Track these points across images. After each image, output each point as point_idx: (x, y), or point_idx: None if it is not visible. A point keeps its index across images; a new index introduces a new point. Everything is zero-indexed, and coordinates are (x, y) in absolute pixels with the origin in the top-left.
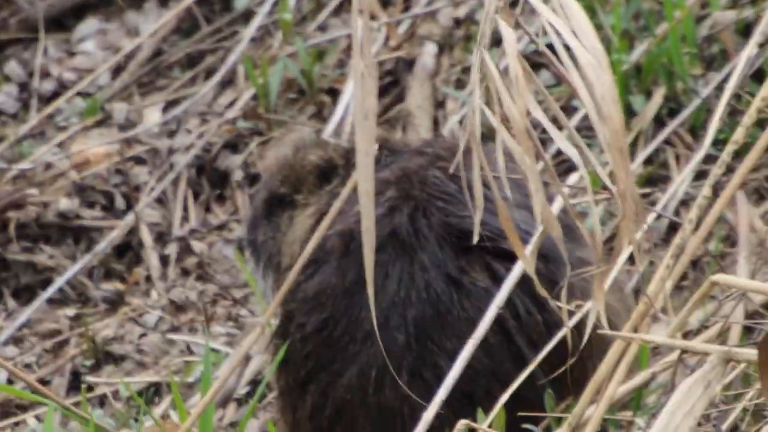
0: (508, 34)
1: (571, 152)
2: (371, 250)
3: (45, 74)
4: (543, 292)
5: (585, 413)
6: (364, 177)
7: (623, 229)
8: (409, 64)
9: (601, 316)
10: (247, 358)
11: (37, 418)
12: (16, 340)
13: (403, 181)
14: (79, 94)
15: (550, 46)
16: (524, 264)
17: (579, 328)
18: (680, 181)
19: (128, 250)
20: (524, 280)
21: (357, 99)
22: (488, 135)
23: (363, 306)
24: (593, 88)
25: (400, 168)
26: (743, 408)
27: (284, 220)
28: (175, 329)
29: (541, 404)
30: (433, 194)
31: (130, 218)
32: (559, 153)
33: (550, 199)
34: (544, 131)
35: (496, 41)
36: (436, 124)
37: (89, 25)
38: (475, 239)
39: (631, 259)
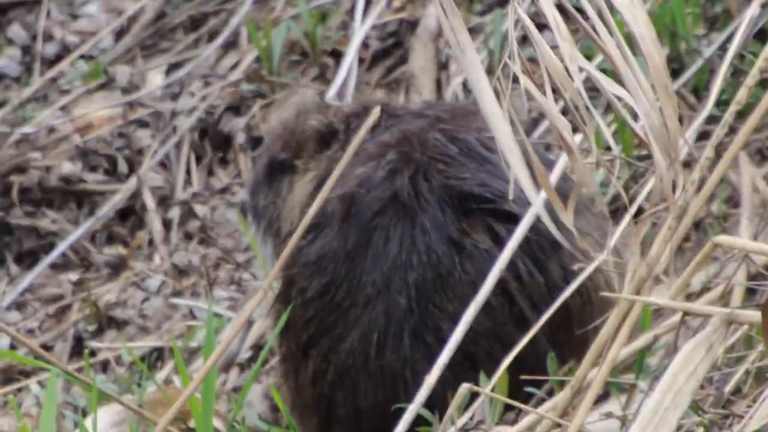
0: None
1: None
2: None
3: (48, 37)
4: (583, 244)
5: (587, 376)
6: None
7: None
8: (413, 25)
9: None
10: (249, 323)
11: (40, 383)
12: (18, 305)
13: (403, 143)
14: (82, 57)
15: None
16: (561, 216)
17: (580, 291)
18: (683, 142)
19: (131, 214)
20: (525, 242)
21: None
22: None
23: (364, 270)
24: (630, 26)
25: (401, 131)
26: (746, 370)
27: (285, 186)
28: (177, 293)
29: (543, 367)
30: (433, 157)
31: (132, 182)
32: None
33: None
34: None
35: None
36: (439, 86)
37: None
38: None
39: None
